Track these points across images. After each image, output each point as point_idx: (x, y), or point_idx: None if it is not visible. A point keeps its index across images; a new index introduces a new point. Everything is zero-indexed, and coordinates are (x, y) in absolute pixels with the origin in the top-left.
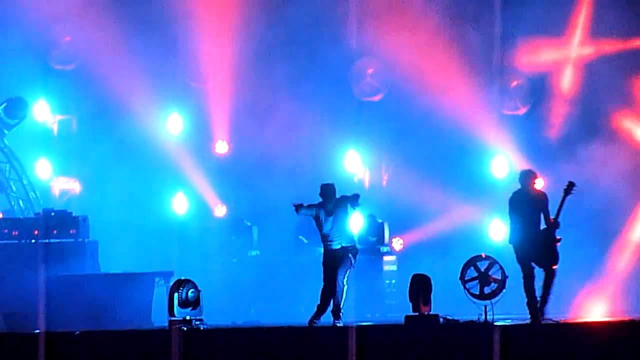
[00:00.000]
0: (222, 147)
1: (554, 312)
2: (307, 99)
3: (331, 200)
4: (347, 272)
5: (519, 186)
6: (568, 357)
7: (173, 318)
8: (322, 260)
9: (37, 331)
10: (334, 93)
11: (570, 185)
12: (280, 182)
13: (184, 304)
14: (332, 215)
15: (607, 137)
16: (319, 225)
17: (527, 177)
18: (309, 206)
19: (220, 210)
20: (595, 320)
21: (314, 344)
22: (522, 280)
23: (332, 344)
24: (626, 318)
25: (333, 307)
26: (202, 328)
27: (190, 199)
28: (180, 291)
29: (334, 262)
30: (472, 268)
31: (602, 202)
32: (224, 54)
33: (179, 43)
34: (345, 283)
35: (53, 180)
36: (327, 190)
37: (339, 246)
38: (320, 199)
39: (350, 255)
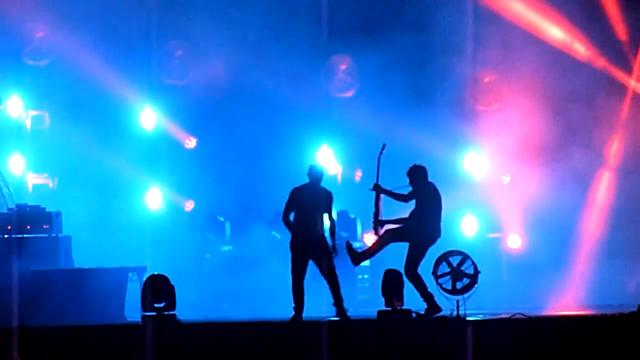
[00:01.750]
0: (192, 143)
1: (525, 307)
2: (280, 93)
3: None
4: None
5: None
6: (540, 351)
7: (146, 313)
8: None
9: (10, 326)
10: (306, 89)
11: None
12: (253, 178)
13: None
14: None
15: None
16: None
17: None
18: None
19: (189, 206)
20: (566, 313)
21: (286, 339)
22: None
23: (305, 339)
24: (593, 312)
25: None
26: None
27: (163, 195)
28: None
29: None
30: (444, 263)
31: None
32: (199, 52)
33: (153, 39)
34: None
35: (26, 175)
36: (318, 173)
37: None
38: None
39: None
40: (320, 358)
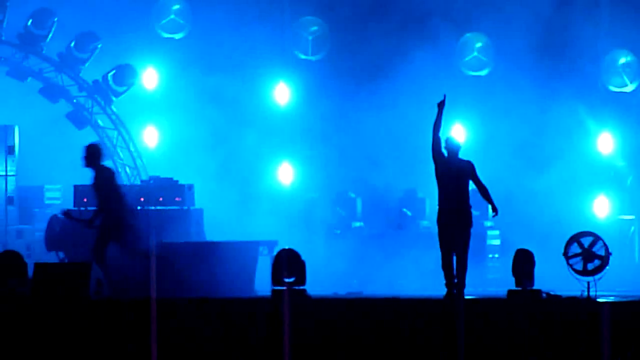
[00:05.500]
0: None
1: None
2: (415, 71)
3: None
4: None
5: None
6: None
7: (276, 287)
8: None
9: (143, 297)
10: (438, 66)
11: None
12: (385, 154)
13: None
14: None
15: None
16: None
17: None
18: None
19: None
20: None
21: (416, 315)
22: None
23: (435, 315)
24: None
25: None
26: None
27: (295, 169)
28: None
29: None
30: (575, 244)
31: None
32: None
33: (287, 13)
34: None
35: (160, 147)
36: (455, 145)
37: None
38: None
39: None
40: (450, 336)
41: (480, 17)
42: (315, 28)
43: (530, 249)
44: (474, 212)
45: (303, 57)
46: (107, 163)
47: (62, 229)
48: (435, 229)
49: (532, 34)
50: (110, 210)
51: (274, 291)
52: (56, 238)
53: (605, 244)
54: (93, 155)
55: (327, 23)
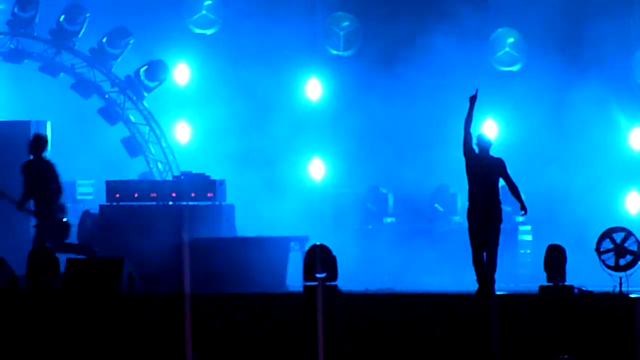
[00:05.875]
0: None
1: None
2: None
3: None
4: None
5: None
6: None
7: (308, 283)
8: None
9: (175, 292)
10: (468, 59)
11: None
12: (416, 149)
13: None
14: None
15: None
16: None
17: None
18: None
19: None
20: None
21: (448, 311)
22: None
23: (467, 311)
24: None
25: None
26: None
27: (327, 165)
28: None
29: None
30: (607, 240)
31: None
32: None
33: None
34: None
35: (191, 143)
36: (486, 142)
37: None
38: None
39: None
40: (482, 332)
41: (509, 11)
42: (346, 23)
43: (562, 244)
44: (506, 208)
45: (335, 52)
46: (139, 158)
47: (94, 224)
48: (466, 225)
49: (561, 27)
50: (43, 200)
51: (305, 287)
52: (88, 233)
53: (637, 240)
54: (39, 144)
55: (358, 18)
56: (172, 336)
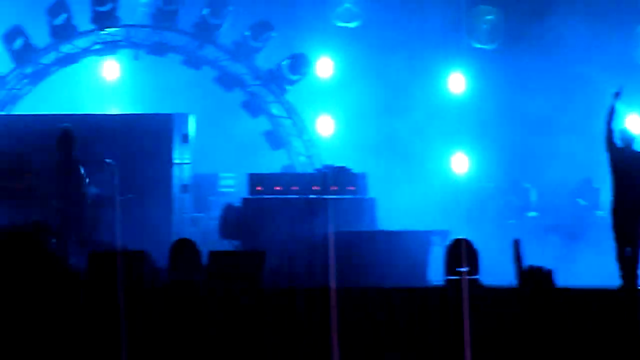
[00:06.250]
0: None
1: None
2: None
3: None
4: None
5: None
6: None
7: (449, 277)
8: None
9: (321, 286)
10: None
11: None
12: (559, 143)
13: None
14: None
15: None
16: None
17: None
18: None
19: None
20: None
21: (589, 306)
22: None
23: (610, 307)
24: None
25: None
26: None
27: (470, 159)
28: None
29: None
30: None
31: None
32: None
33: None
34: None
35: (334, 136)
36: (630, 137)
37: None
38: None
39: None
40: (626, 328)
41: None
42: (490, 17)
43: None
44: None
45: (478, 45)
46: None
47: (237, 217)
48: (610, 220)
49: None
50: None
51: (448, 281)
52: (231, 226)
53: None
54: (68, 140)
55: (502, 11)
56: (315, 331)
